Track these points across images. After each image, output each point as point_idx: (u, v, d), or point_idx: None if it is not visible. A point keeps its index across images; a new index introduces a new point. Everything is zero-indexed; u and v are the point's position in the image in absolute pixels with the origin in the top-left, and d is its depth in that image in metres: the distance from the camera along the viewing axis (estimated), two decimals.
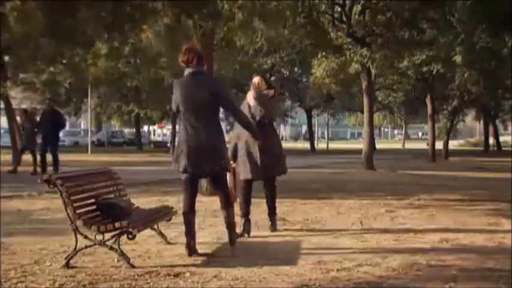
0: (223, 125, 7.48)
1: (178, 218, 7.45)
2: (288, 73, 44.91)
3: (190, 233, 6.10)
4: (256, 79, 7.46)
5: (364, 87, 22.36)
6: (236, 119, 6.83)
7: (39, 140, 17.40)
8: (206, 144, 6.03)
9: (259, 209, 9.64)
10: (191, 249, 6.03)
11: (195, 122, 6.04)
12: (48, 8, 15.07)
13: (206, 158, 6.05)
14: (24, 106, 26.81)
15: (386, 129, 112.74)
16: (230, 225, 6.44)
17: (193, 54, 6.16)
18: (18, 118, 19.86)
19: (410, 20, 21.11)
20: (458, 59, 23.20)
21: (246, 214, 7.34)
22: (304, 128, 74.17)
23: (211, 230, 7.50)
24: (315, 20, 20.98)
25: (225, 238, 6.76)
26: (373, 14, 21.78)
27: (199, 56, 6.20)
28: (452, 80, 28.61)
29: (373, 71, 22.97)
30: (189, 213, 6.16)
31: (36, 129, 17.37)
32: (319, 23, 21.36)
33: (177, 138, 6.26)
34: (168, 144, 41.82)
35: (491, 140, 52.07)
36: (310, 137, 48.72)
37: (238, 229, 6.95)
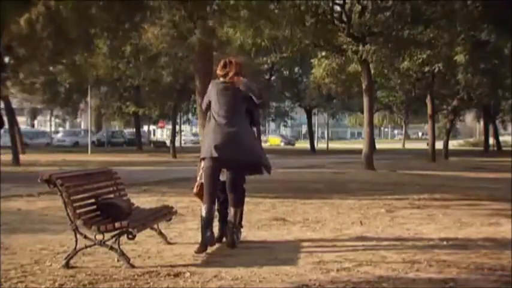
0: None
1: (178, 218, 7.48)
2: (288, 73, 44.93)
3: (209, 227, 6.18)
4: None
5: (364, 87, 22.35)
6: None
7: None
8: (237, 136, 6.24)
9: (258, 208, 9.66)
10: (206, 245, 6.11)
11: (227, 120, 6.28)
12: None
13: (238, 148, 6.22)
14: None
15: (386, 129, 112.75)
16: (234, 225, 6.44)
17: (235, 69, 6.41)
18: None
19: (411, 19, 21.11)
20: (459, 58, 23.18)
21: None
22: (304, 128, 74.18)
23: None
24: (320, 19, 20.97)
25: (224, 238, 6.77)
26: (373, 14, 21.76)
27: (238, 72, 6.44)
28: (454, 79, 28.58)
29: (373, 71, 22.95)
30: (210, 206, 6.26)
31: None
32: (323, 22, 21.35)
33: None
34: (168, 144, 41.87)
35: (491, 140, 52.07)
36: (310, 137, 48.72)
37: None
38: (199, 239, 6.27)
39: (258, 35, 19.38)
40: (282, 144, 67.40)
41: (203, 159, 6.37)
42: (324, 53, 23.97)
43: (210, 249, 6.32)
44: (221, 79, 6.47)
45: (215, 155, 6.21)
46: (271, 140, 71.27)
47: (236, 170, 6.43)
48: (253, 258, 5.88)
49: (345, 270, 5.42)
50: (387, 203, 10.79)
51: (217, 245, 6.53)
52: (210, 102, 6.46)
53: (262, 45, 21.57)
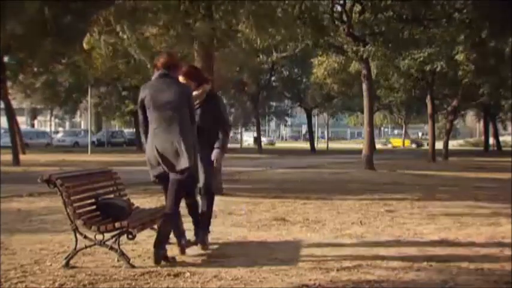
0: None
1: None
2: (288, 73, 44.92)
3: (178, 233, 6.09)
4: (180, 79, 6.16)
5: (364, 86, 22.35)
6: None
7: None
8: (175, 145, 5.73)
9: (258, 208, 9.66)
10: (183, 249, 6.05)
11: (165, 124, 5.77)
12: (49, 7, 15.06)
13: (173, 160, 5.75)
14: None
15: (386, 129, 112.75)
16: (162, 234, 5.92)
17: (172, 61, 5.96)
18: None
19: (412, 18, 21.11)
20: (460, 57, 23.17)
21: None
22: (304, 128, 74.19)
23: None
24: (317, 19, 20.96)
25: (224, 238, 6.78)
26: (373, 13, 21.77)
27: (178, 65, 6.03)
28: (454, 79, 28.57)
29: (373, 70, 22.92)
30: (172, 215, 5.98)
31: None
32: (321, 21, 21.34)
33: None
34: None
35: (491, 140, 52.09)
36: (310, 137, 48.72)
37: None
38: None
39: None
40: (413, 145, 67.21)
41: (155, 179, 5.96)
42: (324, 53, 23.93)
43: (209, 249, 6.33)
44: (161, 71, 5.88)
45: (160, 171, 5.83)
46: (394, 141, 71.08)
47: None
48: (253, 258, 5.88)
49: (345, 270, 5.41)
50: (387, 203, 10.78)
51: (215, 246, 6.54)
52: (143, 109, 5.91)
53: (266, 44, 21.54)
